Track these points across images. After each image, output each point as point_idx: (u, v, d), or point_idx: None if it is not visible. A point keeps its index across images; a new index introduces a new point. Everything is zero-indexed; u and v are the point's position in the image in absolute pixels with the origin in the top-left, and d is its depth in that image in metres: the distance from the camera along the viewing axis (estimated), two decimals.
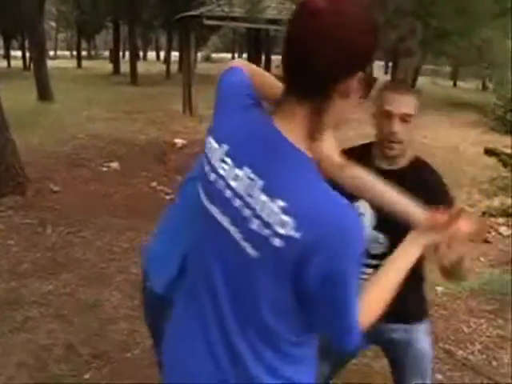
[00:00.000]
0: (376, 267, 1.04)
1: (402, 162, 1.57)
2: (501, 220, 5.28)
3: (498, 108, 12.75)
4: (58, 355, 2.67)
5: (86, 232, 4.46)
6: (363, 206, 1.49)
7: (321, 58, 0.77)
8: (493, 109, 12.86)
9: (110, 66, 27.69)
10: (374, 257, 1.46)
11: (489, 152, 6.34)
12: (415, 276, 1.29)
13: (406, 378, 1.70)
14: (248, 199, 0.84)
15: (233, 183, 0.86)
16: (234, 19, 5.22)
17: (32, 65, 15.48)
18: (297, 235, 0.78)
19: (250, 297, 0.87)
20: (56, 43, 60.27)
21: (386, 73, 28.95)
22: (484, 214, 5.66)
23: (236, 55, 40.39)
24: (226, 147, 0.89)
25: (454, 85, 27.65)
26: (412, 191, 1.17)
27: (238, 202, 0.85)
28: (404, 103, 1.52)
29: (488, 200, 5.70)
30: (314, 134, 0.83)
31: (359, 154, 1.40)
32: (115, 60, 27.10)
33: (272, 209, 0.80)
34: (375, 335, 1.41)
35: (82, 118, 10.83)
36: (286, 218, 0.79)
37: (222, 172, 0.88)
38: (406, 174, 1.50)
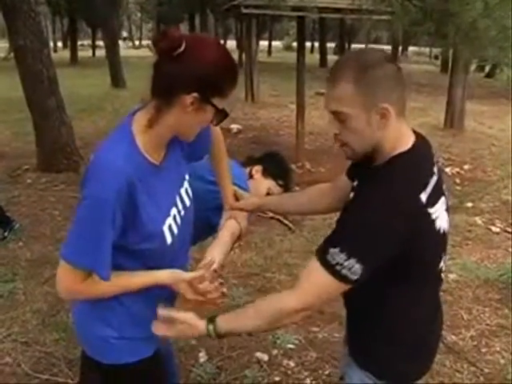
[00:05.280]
0: None
1: (378, 161, 1.18)
2: None
3: None
4: (70, 306, 3.06)
5: None
6: None
7: (167, 73, 1.08)
8: None
9: None
10: None
11: None
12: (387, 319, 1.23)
13: None
14: None
15: None
16: (272, 8, 5.32)
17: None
18: None
19: None
20: (141, 34, 63.22)
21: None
22: None
23: (316, 44, 39.94)
24: None
25: None
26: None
27: None
28: (330, 97, 1.11)
29: None
30: (151, 122, 1.11)
31: None
32: None
33: None
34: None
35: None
36: None
37: None
38: (369, 175, 1.18)
